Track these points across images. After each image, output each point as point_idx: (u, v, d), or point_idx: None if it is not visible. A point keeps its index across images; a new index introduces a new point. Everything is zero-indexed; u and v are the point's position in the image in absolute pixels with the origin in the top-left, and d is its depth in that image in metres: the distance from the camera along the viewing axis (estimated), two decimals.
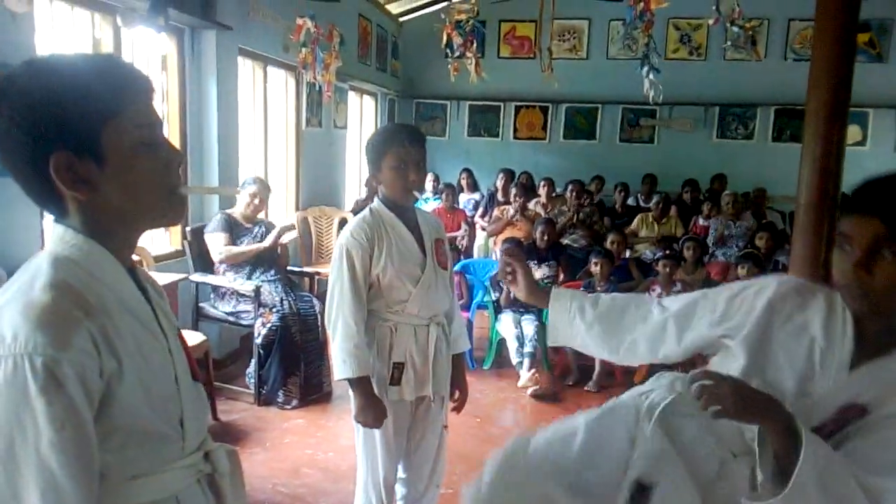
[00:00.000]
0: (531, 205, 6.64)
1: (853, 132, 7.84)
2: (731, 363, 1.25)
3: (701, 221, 6.43)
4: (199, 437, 1.07)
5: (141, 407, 0.94)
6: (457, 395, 2.34)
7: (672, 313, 1.39)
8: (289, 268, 4.36)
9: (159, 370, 0.99)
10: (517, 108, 8.77)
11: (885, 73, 7.74)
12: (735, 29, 4.85)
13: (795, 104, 7.16)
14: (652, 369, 1.51)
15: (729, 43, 5.52)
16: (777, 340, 1.22)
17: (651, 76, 4.96)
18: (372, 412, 2.07)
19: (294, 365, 3.82)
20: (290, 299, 3.88)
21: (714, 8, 4.66)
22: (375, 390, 2.10)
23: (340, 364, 2.06)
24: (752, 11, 5.44)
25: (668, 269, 4.68)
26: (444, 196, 6.83)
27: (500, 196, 7.14)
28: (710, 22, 4.81)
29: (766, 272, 4.75)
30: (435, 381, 2.18)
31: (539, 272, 5.29)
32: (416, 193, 2.16)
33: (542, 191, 6.80)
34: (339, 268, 2.09)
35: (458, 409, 2.35)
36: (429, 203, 7.05)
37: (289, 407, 3.82)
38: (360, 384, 2.06)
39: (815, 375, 1.19)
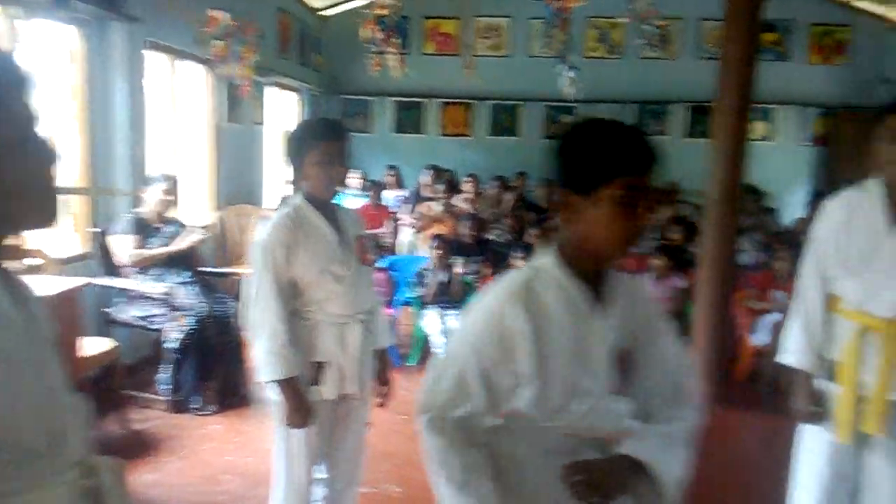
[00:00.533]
0: (457, 201, 6.67)
1: (760, 128, 8.23)
2: (522, 393, 1.26)
3: None
4: (79, 451, 1.01)
5: (10, 419, 0.88)
6: (383, 390, 2.33)
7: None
8: (206, 269, 4.23)
9: (33, 381, 0.93)
10: (443, 105, 8.79)
11: (790, 71, 8.16)
12: (648, 28, 5.00)
13: (708, 102, 7.45)
14: None
15: (643, 41, 5.70)
16: (552, 353, 1.25)
17: (571, 73, 5.07)
18: (303, 413, 2.04)
19: (211, 369, 3.71)
20: (205, 301, 3.75)
21: (629, 7, 4.80)
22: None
23: (267, 366, 2.01)
24: (665, 11, 5.62)
25: None
26: (369, 193, 6.78)
27: (426, 192, 7.14)
28: (625, 20, 4.95)
29: (679, 263, 4.92)
30: (358, 379, 2.15)
31: (465, 267, 5.33)
32: (339, 189, 2.14)
33: (468, 187, 6.84)
34: (259, 267, 2.03)
35: (383, 404, 2.34)
36: (354, 200, 6.98)
37: (206, 413, 3.70)
38: (290, 385, 2.02)
39: (591, 350, 1.26)
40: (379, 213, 6.60)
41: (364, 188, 7.21)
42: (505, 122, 8.72)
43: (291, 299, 2.07)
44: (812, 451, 2.17)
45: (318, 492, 2.30)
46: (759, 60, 4.06)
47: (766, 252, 5.22)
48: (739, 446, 3.74)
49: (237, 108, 5.85)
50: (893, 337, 1.95)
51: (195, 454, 3.31)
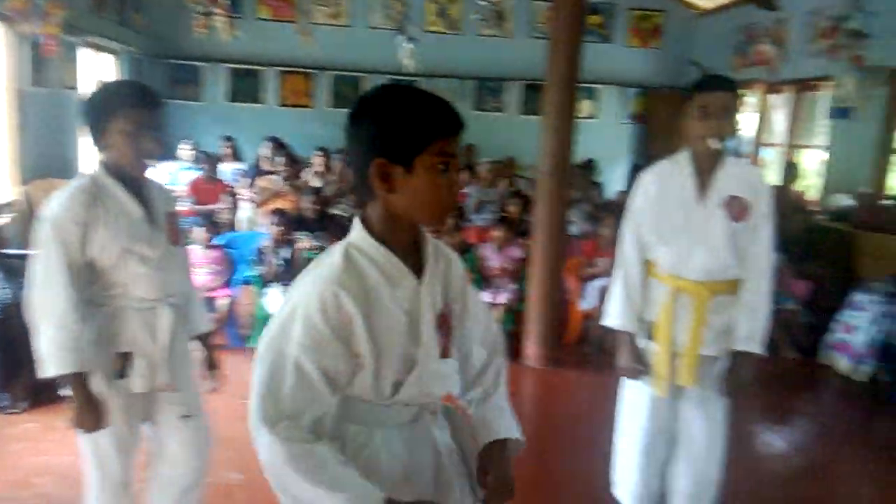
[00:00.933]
0: (306, 175, 6.47)
1: (587, 106, 8.76)
2: (360, 377, 1.23)
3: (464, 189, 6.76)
4: None
5: None
6: (214, 374, 2.21)
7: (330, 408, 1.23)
8: (8, 251, 3.76)
9: None
10: (282, 74, 8.45)
11: (613, 53, 8.74)
12: (483, 4, 5.09)
13: (540, 80, 7.81)
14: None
15: (479, 17, 5.79)
16: (384, 331, 1.22)
17: (410, 46, 5.04)
18: (92, 415, 1.84)
19: (19, 362, 3.31)
20: (8, 287, 3.34)
21: None
22: (101, 386, 1.87)
23: (52, 358, 1.78)
24: None
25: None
26: (203, 166, 6.37)
27: (265, 166, 6.84)
28: None
29: (517, 234, 5.14)
30: (171, 367, 1.98)
31: (308, 243, 5.19)
32: (149, 162, 1.93)
33: (318, 161, 6.62)
34: (48, 245, 1.79)
35: (216, 389, 2.21)
36: (186, 173, 6.54)
37: (15, 410, 3.32)
38: (79, 382, 1.82)
39: (419, 320, 1.25)
40: (213, 187, 6.23)
41: (197, 160, 6.77)
42: (346, 93, 8.56)
43: (88, 283, 1.86)
44: (634, 405, 2.36)
45: (168, 487, 2.14)
46: (585, 42, 4.30)
47: (593, 222, 5.57)
48: (571, 403, 4.01)
49: (43, 70, 5.22)
50: (702, 298, 2.16)
51: (3, 456, 2.97)
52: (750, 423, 3.68)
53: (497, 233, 4.99)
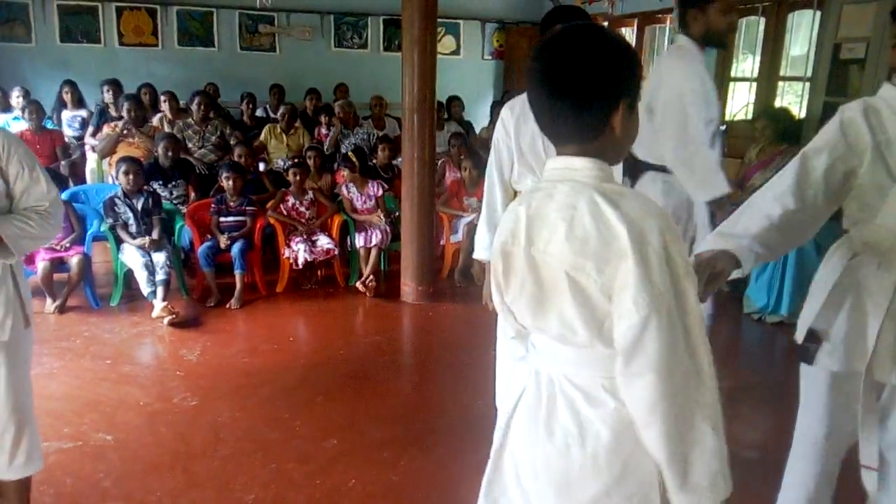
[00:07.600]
0: (155, 120, 6.02)
1: (449, 43, 8.74)
2: None
3: (324, 130, 6.60)
4: None
5: None
6: None
7: None
8: None
9: None
10: (119, 10, 7.72)
11: None
12: None
13: (399, 15, 7.66)
14: None
15: None
16: None
17: None
18: None
19: None
20: None
21: None
22: None
23: None
24: None
25: (298, 178, 4.76)
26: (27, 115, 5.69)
27: (112, 111, 6.30)
28: None
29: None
30: None
31: (165, 193, 4.91)
32: None
33: (165, 105, 6.16)
34: None
35: None
36: (18, 124, 5.91)
37: None
38: None
39: None
40: (44, 139, 5.67)
41: (24, 111, 6.04)
42: (195, 30, 8.00)
43: None
44: (505, 328, 2.50)
45: None
46: None
47: (459, 159, 5.65)
48: (448, 333, 4.16)
49: None
50: None
51: None
52: None
53: (345, 173, 4.93)
